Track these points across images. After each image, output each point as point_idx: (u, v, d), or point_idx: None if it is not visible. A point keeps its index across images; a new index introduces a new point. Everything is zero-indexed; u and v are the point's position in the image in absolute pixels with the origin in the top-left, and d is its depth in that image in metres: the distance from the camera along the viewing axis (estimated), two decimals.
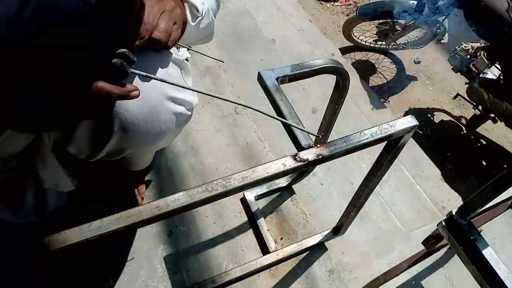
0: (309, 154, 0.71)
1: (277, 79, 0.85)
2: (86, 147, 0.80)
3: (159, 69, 0.75)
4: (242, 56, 2.02)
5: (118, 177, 1.20)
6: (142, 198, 1.24)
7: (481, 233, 1.52)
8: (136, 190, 1.24)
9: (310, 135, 0.75)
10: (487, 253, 0.82)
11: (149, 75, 0.60)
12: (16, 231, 1.12)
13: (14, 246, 1.11)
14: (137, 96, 0.60)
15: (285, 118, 0.79)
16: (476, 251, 0.82)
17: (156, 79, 0.60)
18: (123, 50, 0.57)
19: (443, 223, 0.89)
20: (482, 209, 0.90)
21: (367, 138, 0.74)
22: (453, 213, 0.87)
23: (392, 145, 0.84)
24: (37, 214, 1.13)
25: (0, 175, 0.96)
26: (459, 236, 0.86)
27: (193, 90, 0.70)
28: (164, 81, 0.61)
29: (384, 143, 0.85)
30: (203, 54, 0.87)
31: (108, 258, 1.16)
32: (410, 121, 0.79)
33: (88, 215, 0.56)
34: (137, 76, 0.69)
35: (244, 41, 2.10)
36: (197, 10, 0.83)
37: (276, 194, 1.40)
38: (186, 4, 0.82)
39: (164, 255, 1.20)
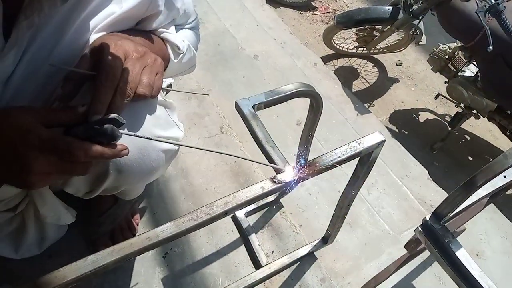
0: (286, 176, 0.77)
1: (253, 106, 0.91)
2: (83, 187, 0.87)
3: (147, 115, 0.81)
4: (226, 75, 2.07)
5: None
6: (137, 224, 1.29)
7: (465, 231, 1.59)
8: (131, 217, 1.29)
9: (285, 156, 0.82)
10: (460, 254, 0.87)
11: (137, 134, 0.66)
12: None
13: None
14: (126, 154, 0.66)
15: (261, 143, 0.85)
16: (450, 253, 0.88)
17: (143, 137, 0.67)
18: (113, 115, 0.63)
19: (420, 229, 0.94)
20: (455, 212, 0.95)
21: (339, 157, 0.80)
22: (427, 219, 0.92)
23: (364, 160, 0.90)
24: (38, 247, 1.18)
25: (2, 215, 1.01)
26: (434, 240, 0.91)
27: (185, 146, 0.77)
28: (151, 139, 0.68)
29: None
30: (187, 92, 0.93)
31: (112, 283, 1.21)
32: (377, 137, 0.84)
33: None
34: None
35: (226, 60, 2.15)
36: (179, 48, 0.91)
37: (266, 209, 1.45)
38: (168, 44, 0.90)
39: (161, 277, 1.24)
